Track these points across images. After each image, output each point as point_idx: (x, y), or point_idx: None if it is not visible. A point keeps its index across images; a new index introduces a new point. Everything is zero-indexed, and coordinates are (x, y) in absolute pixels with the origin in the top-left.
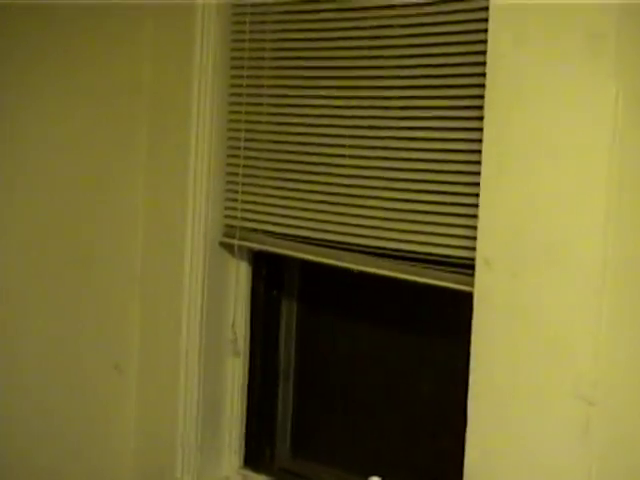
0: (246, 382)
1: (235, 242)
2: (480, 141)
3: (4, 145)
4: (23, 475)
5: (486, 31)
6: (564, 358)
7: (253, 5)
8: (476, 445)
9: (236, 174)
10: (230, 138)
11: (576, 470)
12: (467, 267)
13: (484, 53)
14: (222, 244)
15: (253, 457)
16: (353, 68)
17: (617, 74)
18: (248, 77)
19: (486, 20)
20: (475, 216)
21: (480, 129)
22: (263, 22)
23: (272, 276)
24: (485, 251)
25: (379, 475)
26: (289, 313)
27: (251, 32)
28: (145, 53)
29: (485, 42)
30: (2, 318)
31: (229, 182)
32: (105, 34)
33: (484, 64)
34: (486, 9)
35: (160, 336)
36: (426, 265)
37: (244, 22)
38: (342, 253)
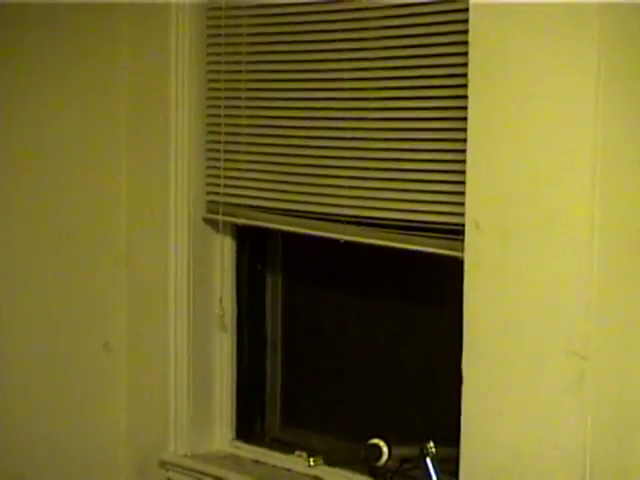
0: (235, 356)
1: (219, 218)
2: (465, 108)
3: None
4: (15, 453)
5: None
6: (556, 316)
7: None
8: (472, 404)
9: (217, 150)
10: (210, 115)
11: (572, 422)
12: (456, 232)
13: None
14: (206, 220)
15: (244, 429)
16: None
17: (599, 46)
18: (226, 54)
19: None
20: (463, 182)
21: (465, 96)
22: None
23: (256, 250)
24: (474, 214)
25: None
26: (274, 286)
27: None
28: (122, 38)
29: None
30: None
31: (210, 158)
32: (81, 33)
33: (466, 32)
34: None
35: (148, 314)
36: (414, 232)
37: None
38: (328, 224)
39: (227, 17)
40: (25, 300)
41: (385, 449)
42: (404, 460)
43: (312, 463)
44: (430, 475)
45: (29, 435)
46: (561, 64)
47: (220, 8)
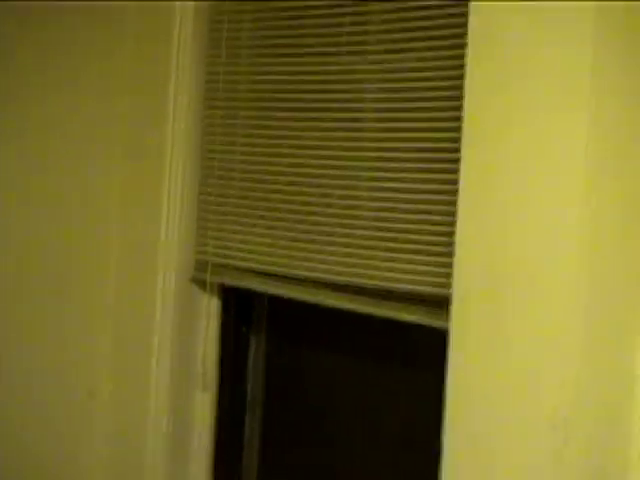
0: (214, 415)
1: (206, 278)
2: (456, 182)
3: None
4: None
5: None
6: (540, 386)
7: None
8: (453, 474)
9: (207, 210)
10: (203, 175)
11: None
12: (442, 303)
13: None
14: (193, 279)
15: None
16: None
17: (589, 118)
18: (223, 113)
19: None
20: (451, 253)
21: (456, 170)
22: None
23: (241, 310)
24: (461, 286)
25: None
26: (258, 347)
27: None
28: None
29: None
30: None
31: (200, 218)
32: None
33: (460, 108)
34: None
35: (131, 368)
36: (400, 301)
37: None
38: (313, 289)
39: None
40: (11, 347)
41: None
42: None
43: None
44: None
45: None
46: (552, 133)
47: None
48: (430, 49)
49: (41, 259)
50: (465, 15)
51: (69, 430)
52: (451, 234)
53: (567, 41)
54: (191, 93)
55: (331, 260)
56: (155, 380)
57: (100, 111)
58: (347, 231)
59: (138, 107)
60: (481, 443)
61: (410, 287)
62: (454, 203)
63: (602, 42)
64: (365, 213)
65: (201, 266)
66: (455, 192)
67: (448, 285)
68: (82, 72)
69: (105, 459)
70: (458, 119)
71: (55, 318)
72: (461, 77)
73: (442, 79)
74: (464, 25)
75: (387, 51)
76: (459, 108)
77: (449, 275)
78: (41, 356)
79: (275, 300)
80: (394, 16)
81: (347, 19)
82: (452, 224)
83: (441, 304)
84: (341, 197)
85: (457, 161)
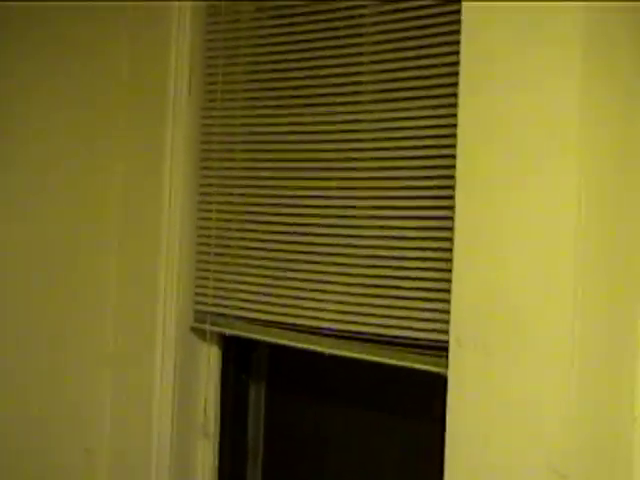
0: (216, 463)
1: (207, 327)
2: (451, 228)
3: None
4: None
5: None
6: (536, 433)
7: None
8: None
9: (206, 260)
10: (200, 227)
11: None
12: (440, 349)
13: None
14: (193, 329)
15: None
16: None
17: (579, 167)
18: (219, 156)
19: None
20: (448, 300)
21: (451, 217)
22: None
23: (241, 359)
24: (457, 331)
25: None
26: (257, 395)
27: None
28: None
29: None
30: None
31: (199, 268)
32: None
33: (454, 156)
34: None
35: (131, 419)
36: (400, 348)
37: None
38: (313, 337)
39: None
40: (7, 401)
41: None
42: None
43: None
44: None
45: None
46: (542, 179)
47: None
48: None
49: (37, 308)
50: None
51: None
52: (449, 281)
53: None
54: (186, 147)
55: (330, 309)
56: (157, 429)
57: (98, 140)
58: (346, 280)
59: (135, 162)
60: None
61: (409, 334)
62: (451, 250)
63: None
64: (363, 261)
65: (201, 316)
66: (451, 239)
67: (445, 331)
68: (79, 82)
69: None
70: (452, 167)
71: (51, 369)
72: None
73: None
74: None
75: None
76: (453, 156)
77: (447, 322)
78: (35, 411)
79: (275, 348)
80: (389, 17)
81: (341, 23)
82: (450, 270)
83: (441, 350)
84: (340, 246)
85: (452, 208)
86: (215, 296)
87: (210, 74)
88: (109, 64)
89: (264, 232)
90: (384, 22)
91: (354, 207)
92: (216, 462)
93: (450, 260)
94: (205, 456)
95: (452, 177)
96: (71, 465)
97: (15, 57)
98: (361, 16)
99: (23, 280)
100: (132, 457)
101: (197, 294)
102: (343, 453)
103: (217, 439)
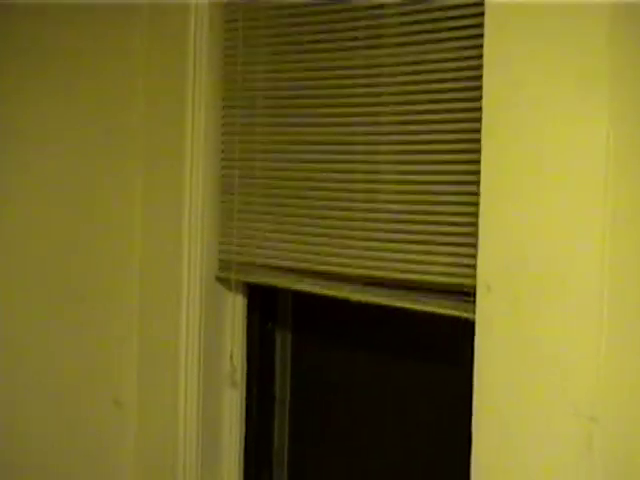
0: (244, 412)
1: (231, 276)
2: (478, 172)
3: None
4: None
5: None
6: (565, 378)
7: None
8: (482, 466)
9: (231, 210)
10: (224, 176)
11: None
12: (468, 294)
13: (480, 88)
14: (218, 278)
15: None
16: (349, 87)
17: (610, 115)
18: (242, 112)
19: (480, 62)
20: (474, 244)
21: (478, 161)
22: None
23: (267, 308)
24: (486, 277)
25: None
26: (284, 343)
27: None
28: (137, 70)
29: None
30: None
31: (224, 217)
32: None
33: (480, 99)
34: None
35: (158, 370)
36: (426, 293)
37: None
38: (338, 284)
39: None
40: (35, 356)
41: None
42: None
43: None
44: None
45: None
46: (571, 134)
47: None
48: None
49: (63, 264)
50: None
51: (97, 442)
52: (476, 224)
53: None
54: (209, 92)
55: (356, 254)
56: (184, 380)
57: (119, 112)
58: (372, 225)
59: (156, 108)
60: (509, 434)
61: (435, 279)
62: (477, 193)
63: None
64: (389, 206)
65: (225, 265)
66: (478, 182)
67: (474, 276)
68: (97, 73)
69: (135, 464)
70: (479, 109)
71: (78, 324)
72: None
73: (461, 69)
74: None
75: (404, 44)
76: (479, 99)
77: (475, 266)
78: (63, 365)
79: (300, 295)
80: (409, 9)
81: (363, 13)
82: (476, 214)
83: (469, 295)
84: (364, 191)
85: (479, 151)
86: (239, 245)
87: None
88: None
89: (288, 179)
90: None
91: (379, 153)
92: (243, 411)
93: (477, 204)
94: (232, 405)
95: (479, 120)
96: (101, 417)
97: (30, 56)
98: None
99: (45, 231)
100: (160, 408)
101: (221, 243)
102: (370, 400)
103: (244, 388)
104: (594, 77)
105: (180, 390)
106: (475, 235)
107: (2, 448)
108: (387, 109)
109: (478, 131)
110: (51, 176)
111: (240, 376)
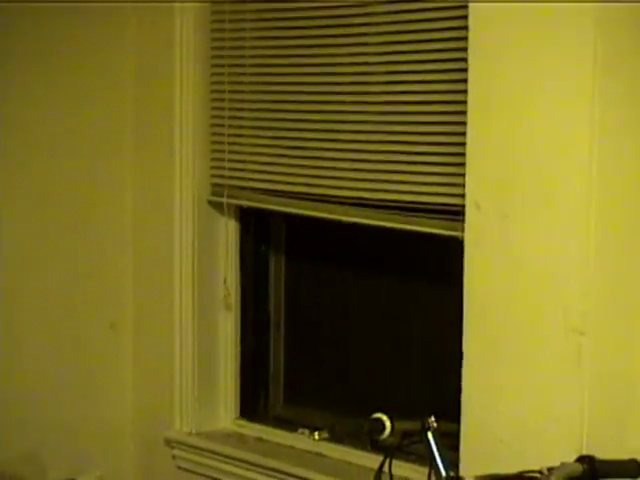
0: (239, 335)
1: (224, 200)
2: (466, 92)
3: None
4: (27, 431)
5: None
6: (554, 293)
7: None
8: (472, 380)
9: (222, 134)
10: (214, 99)
11: (569, 398)
12: (457, 213)
13: (466, 6)
14: (211, 202)
15: (248, 407)
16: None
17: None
18: (230, 39)
19: None
20: (463, 164)
21: (465, 80)
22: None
23: (260, 231)
24: (475, 195)
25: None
26: (277, 266)
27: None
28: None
29: None
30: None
31: (215, 142)
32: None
33: (466, 17)
34: None
35: (154, 294)
36: (416, 213)
37: None
38: (330, 206)
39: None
40: (33, 282)
41: (388, 423)
42: (406, 434)
43: (316, 437)
44: (431, 449)
45: (39, 413)
46: (559, 48)
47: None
48: None
49: (58, 191)
50: None
51: (94, 365)
52: (464, 143)
53: None
54: (198, 15)
55: (347, 176)
56: (179, 303)
57: (112, 39)
58: (362, 146)
59: (147, 34)
60: (499, 349)
61: (425, 199)
62: (465, 112)
63: None
64: (379, 127)
65: (218, 189)
66: (466, 102)
67: (463, 195)
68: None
69: (132, 386)
70: (465, 28)
71: (73, 250)
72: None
73: None
74: None
75: None
76: (465, 17)
77: (464, 185)
78: (60, 289)
79: (293, 218)
80: None
81: None
82: (465, 133)
83: (458, 215)
84: (354, 112)
85: (466, 70)
86: (231, 168)
87: None
88: None
89: (279, 102)
90: None
91: (368, 73)
92: (238, 333)
93: (465, 124)
94: (227, 328)
95: (466, 38)
96: (97, 340)
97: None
98: None
99: (41, 169)
100: (155, 332)
101: (213, 167)
102: (363, 319)
103: (238, 311)
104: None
105: (175, 313)
106: (464, 154)
107: (2, 367)
108: (375, 29)
109: (465, 49)
110: (50, 112)
111: (234, 299)
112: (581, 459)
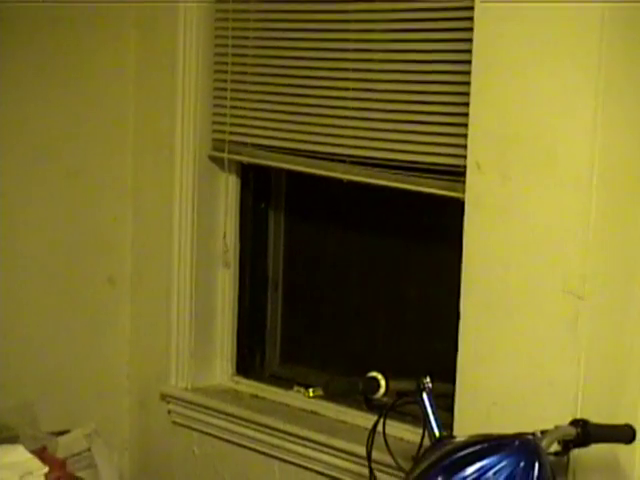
0: (236, 292)
1: (224, 156)
2: (470, 51)
3: None
4: (24, 383)
5: None
6: (554, 256)
7: None
8: (469, 341)
9: (224, 89)
10: (217, 54)
11: (566, 361)
12: (458, 174)
13: None
14: (211, 157)
15: (244, 364)
16: None
17: None
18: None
19: None
20: (465, 124)
21: (470, 39)
22: None
23: (260, 188)
24: (476, 156)
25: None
26: (277, 224)
27: None
28: None
29: None
30: None
31: (217, 97)
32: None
33: None
34: None
35: (152, 249)
36: (416, 173)
37: None
38: (331, 163)
39: None
40: (31, 235)
41: (383, 382)
42: (401, 394)
43: (311, 394)
44: (426, 409)
45: (36, 366)
46: (566, 8)
47: None
48: None
49: (58, 147)
50: None
51: (92, 320)
52: (467, 103)
53: None
54: None
55: (348, 134)
56: (177, 259)
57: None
58: (364, 104)
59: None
60: (497, 310)
61: (425, 159)
62: (469, 72)
63: None
64: (381, 86)
65: (219, 145)
66: (470, 62)
67: (465, 155)
68: None
69: (130, 342)
70: None
71: (71, 205)
72: None
73: None
74: None
75: None
76: None
77: (465, 146)
78: (58, 243)
79: (293, 176)
80: None
81: None
82: (468, 93)
83: (459, 175)
84: (357, 70)
85: (471, 30)
86: (233, 124)
87: None
88: None
89: (281, 58)
90: None
91: (372, 31)
92: (236, 291)
93: (469, 84)
94: (225, 285)
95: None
96: (95, 295)
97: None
98: None
99: (42, 119)
100: (153, 287)
101: (215, 123)
102: (361, 279)
103: (237, 268)
104: None
105: (173, 269)
106: (466, 115)
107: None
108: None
109: (471, 8)
110: (51, 64)
111: (233, 256)
112: (575, 423)
